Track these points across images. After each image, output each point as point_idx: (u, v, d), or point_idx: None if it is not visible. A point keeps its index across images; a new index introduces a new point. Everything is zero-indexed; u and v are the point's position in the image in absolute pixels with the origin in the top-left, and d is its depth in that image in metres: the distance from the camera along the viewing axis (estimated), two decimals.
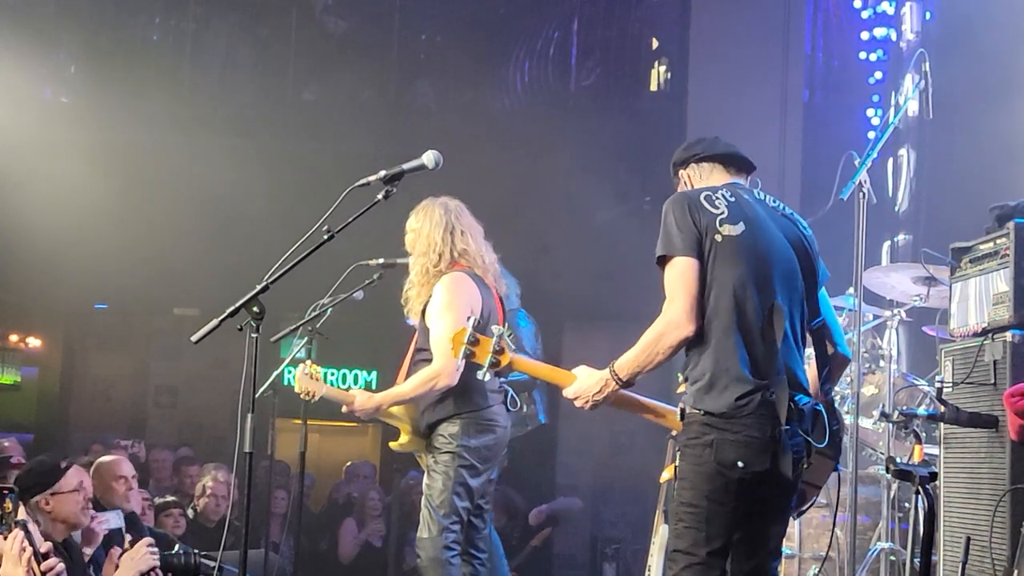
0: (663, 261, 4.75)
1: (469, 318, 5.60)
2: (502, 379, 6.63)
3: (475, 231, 6.69)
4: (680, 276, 4.68)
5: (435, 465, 6.44)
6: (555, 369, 5.18)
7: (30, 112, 12.80)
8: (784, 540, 7.45)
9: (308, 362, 6.76)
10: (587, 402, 4.88)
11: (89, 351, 15.44)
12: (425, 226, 6.60)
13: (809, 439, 4.66)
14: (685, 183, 5.08)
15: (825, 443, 4.73)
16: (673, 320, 4.64)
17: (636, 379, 4.77)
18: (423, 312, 6.53)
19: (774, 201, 4.96)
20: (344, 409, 6.59)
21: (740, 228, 4.70)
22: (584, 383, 4.88)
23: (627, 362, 4.73)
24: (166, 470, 12.00)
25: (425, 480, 6.49)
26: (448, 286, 6.45)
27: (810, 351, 5.01)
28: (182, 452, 12.90)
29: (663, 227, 4.76)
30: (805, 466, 4.67)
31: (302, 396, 6.71)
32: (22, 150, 12.33)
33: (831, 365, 5.00)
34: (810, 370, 4.97)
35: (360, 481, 12.50)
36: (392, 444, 6.81)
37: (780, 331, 4.64)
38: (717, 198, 4.76)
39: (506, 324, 6.59)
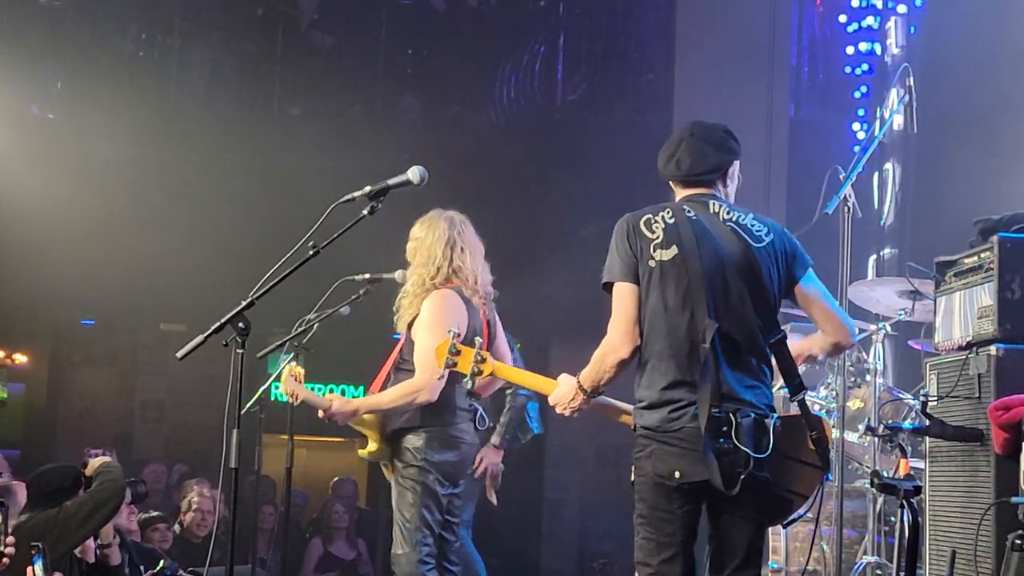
0: (607, 287, 4.99)
1: (451, 330, 5.69)
2: (473, 400, 6.65)
3: (475, 249, 6.68)
4: (618, 302, 4.94)
5: (402, 480, 6.43)
6: (537, 376, 5.44)
7: (17, 128, 12.80)
8: (771, 554, 7.53)
9: (293, 364, 6.73)
10: (565, 408, 5.16)
11: (76, 367, 15.41)
12: (428, 237, 6.60)
13: (747, 450, 4.72)
14: None
15: (767, 453, 4.77)
16: (610, 343, 4.95)
17: (599, 391, 5.06)
18: (410, 324, 6.53)
19: (731, 212, 5.02)
20: (320, 414, 6.53)
21: (672, 252, 4.87)
22: (561, 390, 5.17)
23: (586, 376, 5.06)
24: (159, 484, 12.01)
25: (393, 495, 6.48)
26: (436, 302, 6.45)
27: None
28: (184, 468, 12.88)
29: (608, 253, 5.00)
30: (742, 476, 4.71)
31: (287, 398, 6.68)
32: (8, 166, 12.33)
33: (834, 341, 5.17)
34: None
35: (339, 498, 12.47)
36: (361, 452, 6.75)
37: (711, 348, 4.76)
38: (656, 222, 4.94)
39: (490, 344, 6.61)
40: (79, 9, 13.91)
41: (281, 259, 4.85)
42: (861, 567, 7.17)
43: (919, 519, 5.28)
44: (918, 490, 5.04)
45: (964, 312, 6.23)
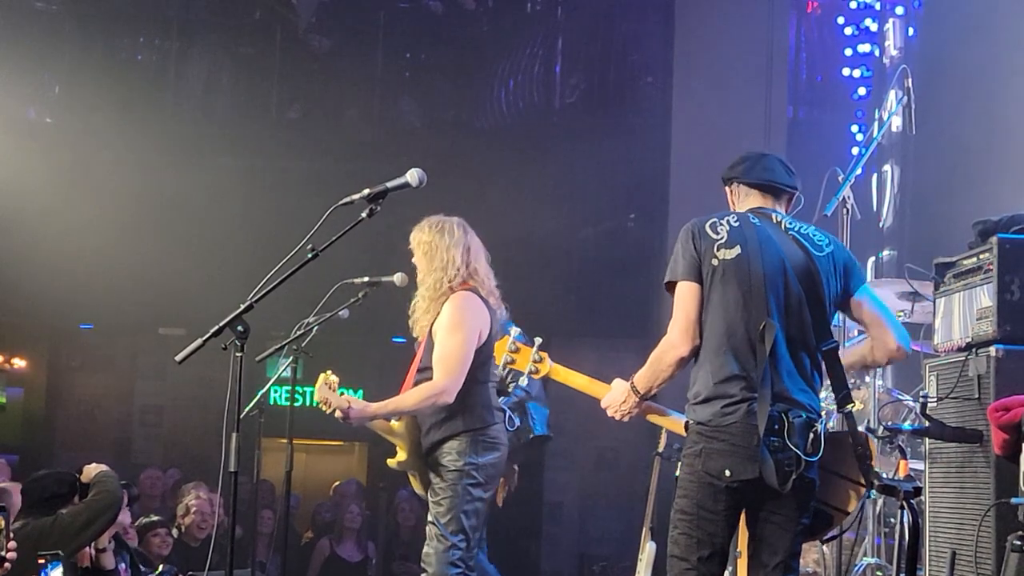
0: (670, 287, 5.07)
1: (510, 328, 5.80)
2: (505, 399, 6.67)
3: (483, 252, 6.74)
4: (679, 300, 5.04)
5: (441, 483, 6.43)
6: (592, 380, 5.57)
7: (14, 133, 12.78)
8: None
9: (328, 372, 6.66)
10: (616, 412, 5.29)
11: (74, 371, 15.37)
12: (444, 241, 6.61)
13: (797, 451, 4.81)
14: (728, 198, 5.37)
15: (817, 456, 4.87)
16: (670, 341, 5.03)
17: (652, 392, 5.18)
18: (430, 329, 6.53)
19: (792, 224, 5.17)
20: (338, 414, 6.48)
21: (735, 252, 4.98)
22: (613, 395, 5.31)
23: (640, 377, 5.16)
24: (156, 489, 12.00)
25: (431, 498, 6.48)
26: (458, 305, 6.49)
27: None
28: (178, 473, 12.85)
29: (672, 255, 5.09)
30: (793, 476, 4.80)
31: (321, 406, 6.62)
32: (6, 170, 12.31)
33: (888, 350, 5.20)
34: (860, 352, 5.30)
35: (347, 499, 12.47)
36: (390, 462, 6.76)
37: (769, 347, 4.86)
38: (721, 225, 5.06)
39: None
40: (76, 13, 13.89)
41: (280, 262, 4.84)
42: (861, 569, 7.16)
43: (919, 520, 5.28)
44: (918, 491, 5.06)
45: (963, 313, 6.23)
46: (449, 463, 6.42)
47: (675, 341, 4.99)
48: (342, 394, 6.60)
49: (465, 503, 6.39)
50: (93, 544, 6.62)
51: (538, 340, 5.70)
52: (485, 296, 6.61)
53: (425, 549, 6.44)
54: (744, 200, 5.27)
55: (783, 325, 4.93)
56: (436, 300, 6.53)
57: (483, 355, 6.49)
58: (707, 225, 5.06)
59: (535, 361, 5.65)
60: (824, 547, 7.29)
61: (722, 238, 5.00)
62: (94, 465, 6.66)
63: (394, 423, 6.63)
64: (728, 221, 5.07)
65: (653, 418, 5.41)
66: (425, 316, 6.57)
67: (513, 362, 5.68)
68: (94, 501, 6.38)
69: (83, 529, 6.31)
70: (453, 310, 6.47)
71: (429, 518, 6.47)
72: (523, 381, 5.75)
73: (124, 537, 7.58)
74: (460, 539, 6.37)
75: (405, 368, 6.84)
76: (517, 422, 7.13)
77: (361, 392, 13.85)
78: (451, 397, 6.36)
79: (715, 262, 4.96)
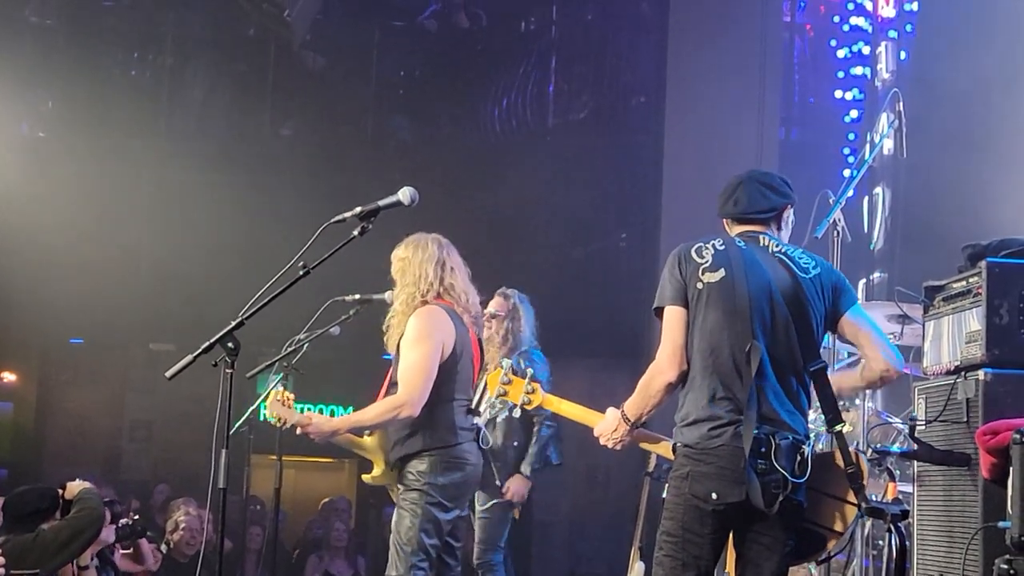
0: (658, 313, 5.11)
1: (503, 360, 5.89)
2: (474, 419, 6.64)
3: (462, 271, 6.68)
4: (666, 326, 5.07)
5: (403, 502, 6.38)
6: (585, 410, 5.57)
7: (7, 148, 12.79)
8: None
9: (280, 389, 6.68)
10: (608, 440, 5.27)
11: (64, 386, 15.35)
12: (417, 256, 6.57)
13: (784, 473, 4.81)
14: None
15: (803, 478, 4.87)
16: (657, 366, 5.06)
17: (642, 419, 5.18)
18: (399, 344, 6.52)
19: (779, 246, 5.18)
20: (298, 430, 6.48)
21: (720, 274, 5.01)
22: (605, 423, 5.29)
23: (630, 404, 5.16)
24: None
25: (394, 517, 6.46)
26: (422, 318, 6.43)
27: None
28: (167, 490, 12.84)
29: (660, 282, 5.12)
30: (780, 498, 4.81)
31: (275, 424, 6.65)
32: None
33: (880, 370, 5.16)
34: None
35: (333, 516, 12.46)
36: (365, 477, 6.77)
37: (755, 369, 4.87)
38: (707, 249, 5.09)
39: (482, 364, 6.66)
40: (70, 28, 13.92)
41: (271, 279, 4.85)
42: None
43: (906, 543, 5.28)
44: (906, 514, 5.07)
45: (952, 337, 6.24)
46: (410, 482, 6.37)
47: (663, 367, 5.02)
48: (308, 411, 6.60)
49: (425, 522, 6.31)
50: (75, 562, 6.60)
51: (530, 371, 5.75)
52: (460, 313, 6.54)
53: (387, 571, 6.37)
54: (731, 229, 5.29)
55: (769, 346, 4.94)
56: (406, 315, 6.50)
57: (447, 371, 6.42)
58: (692, 250, 5.08)
59: (528, 392, 5.69)
60: (813, 570, 7.30)
61: (707, 261, 5.03)
62: (77, 482, 6.65)
63: (366, 438, 6.61)
64: (714, 245, 5.09)
65: (645, 445, 5.43)
66: (396, 331, 6.53)
67: (506, 393, 5.72)
68: (76, 518, 6.37)
69: (65, 546, 6.29)
70: (416, 323, 6.41)
71: (391, 538, 6.43)
72: (516, 413, 5.80)
73: (111, 555, 7.56)
74: (420, 559, 6.29)
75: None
76: (491, 441, 7.19)
77: (351, 409, 13.95)
78: (414, 411, 6.28)
79: (700, 285, 4.99)
